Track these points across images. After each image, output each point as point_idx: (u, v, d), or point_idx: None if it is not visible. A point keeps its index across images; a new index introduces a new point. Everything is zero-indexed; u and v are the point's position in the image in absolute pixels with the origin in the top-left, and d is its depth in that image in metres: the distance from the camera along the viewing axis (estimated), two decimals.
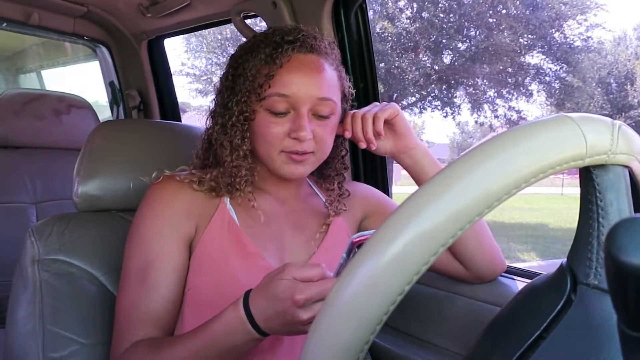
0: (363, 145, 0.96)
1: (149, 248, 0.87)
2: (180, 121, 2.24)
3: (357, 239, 0.65)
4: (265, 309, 0.70)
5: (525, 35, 10.33)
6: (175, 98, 2.22)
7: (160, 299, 0.85)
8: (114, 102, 2.30)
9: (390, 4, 10.22)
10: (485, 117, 11.18)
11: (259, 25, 1.65)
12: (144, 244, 0.88)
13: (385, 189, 1.41)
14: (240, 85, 0.89)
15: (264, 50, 0.88)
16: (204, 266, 0.89)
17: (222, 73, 0.96)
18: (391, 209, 1.05)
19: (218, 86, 0.96)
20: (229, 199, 0.93)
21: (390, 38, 10.35)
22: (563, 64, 10.64)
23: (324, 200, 1.02)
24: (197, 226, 0.91)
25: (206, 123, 0.98)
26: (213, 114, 0.95)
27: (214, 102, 0.96)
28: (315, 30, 0.94)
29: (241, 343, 0.73)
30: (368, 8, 1.40)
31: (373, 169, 1.44)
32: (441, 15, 10.37)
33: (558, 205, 11.52)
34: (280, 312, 0.68)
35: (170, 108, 2.19)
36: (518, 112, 10.93)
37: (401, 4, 10.38)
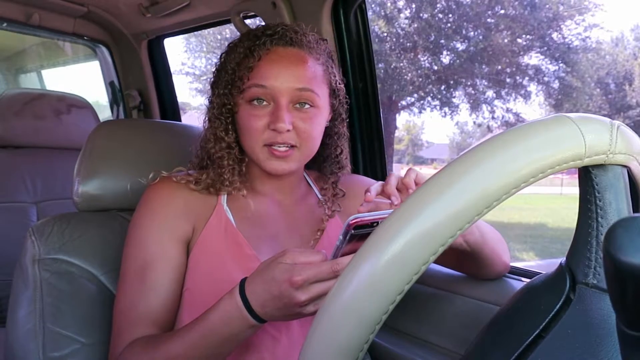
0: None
1: (147, 249, 0.87)
2: (180, 121, 2.24)
3: (353, 221, 0.65)
4: (262, 293, 0.70)
5: (524, 36, 10.33)
6: (175, 98, 2.22)
7: (158, 298, 0.85)
8: (114, 101, 2.30)
9: (389, 4, 10.22)
10: (484, 118, 11.18)
11: (259, 25, 1.65)
12: (141, 245, 0.88)
13: None
14: (222, 78, 0.91)
15: (243, 44, 0.90)
16: (201, 267, 0.89)
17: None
18: None
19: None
20: (225, 201, 0.94)
21: (389, 38, 10.35)
22: (561, 64, 10.64)
23: (321, 199, 1.02)
24: (194, 227, 0.91)
25: (203, 124, 0.98)
26: (206, 114, 0.97)
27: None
28: (300, 25, 0.94)
29: (238, 331, 0.73)
30: (367, 8, 1.40)
31: (373, 169, 1.44)
32: (440, 15, 10.37)
33: (557, 205, 11.50)
34: (277, 295, 0.68)
35: (170, 108, 2.20)
36: (516, 113, 10.94)
37: (400, 4, 10.38)
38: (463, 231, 0.39)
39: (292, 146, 0.89)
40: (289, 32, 0.90)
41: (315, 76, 0.90)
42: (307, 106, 0.89)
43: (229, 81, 0.90)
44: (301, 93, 0.88)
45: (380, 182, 0.81)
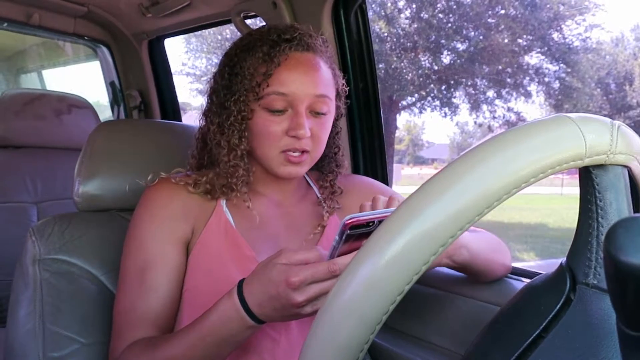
0: None
1: (146, 250, 0.87)
2: (181, 121, 2.24)
3: (349, 221, 0.65)
4: (259, 294, 0.70)
5: (524, 36, 10.33)
6: (176, 98, 2.22)
7: (158, 300, 0.85)
8: (114, 102, 2.30)
9: (389, 4, 10.22)
10: (485, 118, 11.18)
11: (259, 25, 1.65)
12: (141, 246, 0.88)
13: None
14: (238, 84, 0.88)
15: (261, 48, 0.88)
16: (201, 268, 0.89)
17: (215, 71, 0.96)
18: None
19: (212, 85, 0.95)
20: (225, 201, 0.93)
21: (389, 38, 10.35)
22: (562, 65, 10.64)
23: (320, 197, 1.02)
24: (193, 228, 0.91)
25: (199, 122, 0.97)
26: (207, 113, 0.95)
27: (207, 100, 0.96)
28: (309, 28, 0.94)
29: (237, 332, 0.73)
30: (368, 8, 1.40)
31: (373, 169, 1.44)
32: (440, 15, 10.37)
33: (558, 205, 11.50)
34: (274, 295, 0.68)
35: (171, 108, 2.19)
36: (517, 112, 10.94)
37: (401, 4, 10.38)
38: (464, 231, 0.39)
39: (307, 151, 0.89)
40: (305, 36, 0.90)
41: (329, 81, 0.91)
42: (322, 112, 0.89)
43: (247, 87, 0.87)
44: (318, 99, 0.88)
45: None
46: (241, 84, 0.88)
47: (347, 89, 0.99)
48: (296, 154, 0.88)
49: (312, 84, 0.87)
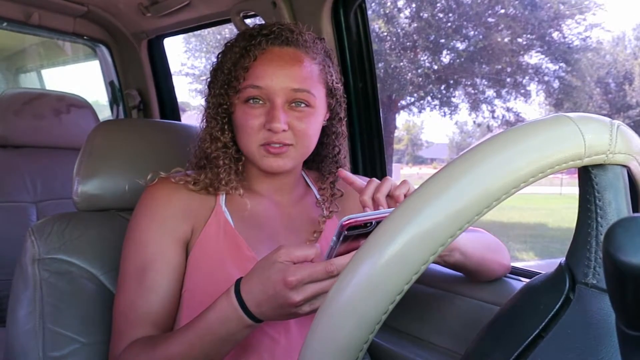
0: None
1: (146, 250, 0.87)
2: (180, 121, 2.24)
3: (347, 222, 0.65)
4: (257, 293, 0.70)
5: (524, 35, 10.33)
6: (175, 98, 2.22)
7: (157, 299, 0.85)
8: (113, 101, 2.30)
9: (389, 4, 10.22)
10: (484, 118, 11.18)
11: (255, 24, 1.65)
12: (140, 246, 0.88)
13: None
14: (218, 78, 0.91)
15: (239, 44, 0.90)
16: (200, 268, 0.89)
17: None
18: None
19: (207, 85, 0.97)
20: (224, 202, 0.94)
21: (389, 38, 10.35)
22: (562, 64, 10.64)
23: (319, 199, 1.02)
24: (193, 228, 0.91)
25: (200, 123, 0.98)
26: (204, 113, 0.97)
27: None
28: (297, 25, 0.94)
29: (235, 331, 0.73)
30: (367, 8, 1.40)
31: (372, 169, 1.44)
32: (440, 15, 10.37)
33: (557, 204, 11.50)
34: (272, 295, 0.68)
35: (170, 108, 2.20)
36: (516, 113, 10.94)
37: (400, 3, 10.38)
38: (463, 231, 0.39)
39: (288, 144, 0.89)
40: (285, 31, 0.90)
41: (311, 76, 0.90)
42: (302, 105, 0.89)
43: (225, 81, 0.90)
44: (296, 94, 0.88)
45: (375, 185, 0.83)
46: (221, 78, 0.91)
47: (340, 86, 0.98)
48: (276, 145, 0.88)
49: (288, 77, 0.87)
